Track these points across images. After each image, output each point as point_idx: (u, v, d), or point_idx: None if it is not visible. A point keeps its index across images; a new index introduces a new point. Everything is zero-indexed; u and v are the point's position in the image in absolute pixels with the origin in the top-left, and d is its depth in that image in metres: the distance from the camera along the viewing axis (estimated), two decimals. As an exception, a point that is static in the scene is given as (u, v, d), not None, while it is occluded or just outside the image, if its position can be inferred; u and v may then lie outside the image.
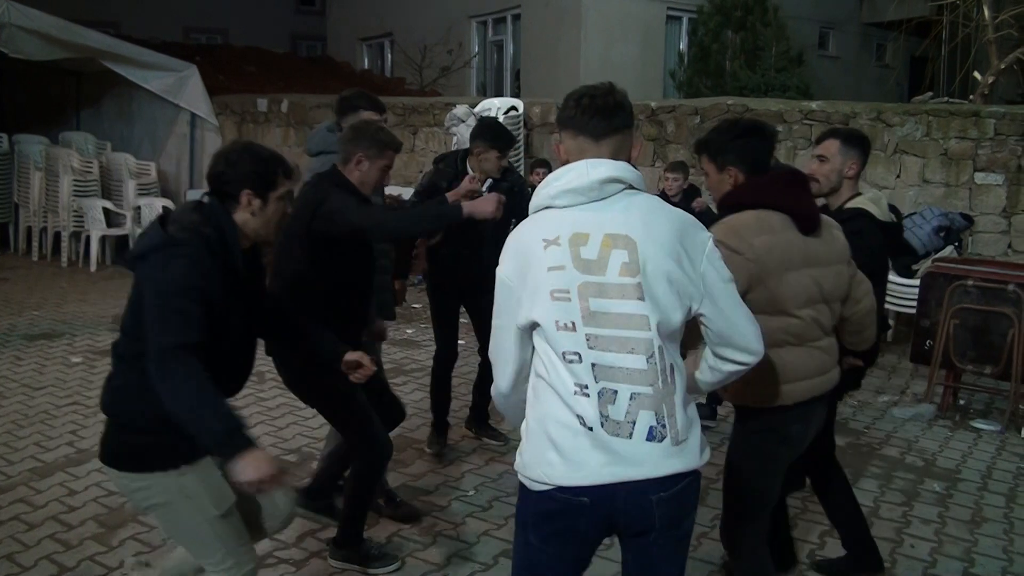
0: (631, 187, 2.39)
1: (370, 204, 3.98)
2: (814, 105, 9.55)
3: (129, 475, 2.81)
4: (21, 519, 4.54)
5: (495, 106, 10.34)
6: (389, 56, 21.59)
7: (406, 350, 8.03)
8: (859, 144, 3.93)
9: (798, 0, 17.17)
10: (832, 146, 3.86)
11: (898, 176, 8.90)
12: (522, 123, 10.47)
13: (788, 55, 15.11)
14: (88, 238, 11.80)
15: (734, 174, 3.16)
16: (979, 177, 8.51)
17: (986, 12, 12.29)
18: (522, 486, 2.40)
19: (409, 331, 8.71)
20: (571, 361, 2.27)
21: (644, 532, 2.36)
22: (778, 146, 9.29)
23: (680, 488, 2.34)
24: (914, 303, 6.99)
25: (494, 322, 2.44)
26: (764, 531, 3.33)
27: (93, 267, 11.64)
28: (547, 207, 2.40)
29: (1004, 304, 6.09)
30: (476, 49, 18.84)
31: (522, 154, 10.32)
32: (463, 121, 9.94)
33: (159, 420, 2.61)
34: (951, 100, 10.67)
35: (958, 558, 4.37)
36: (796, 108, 9.56)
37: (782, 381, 3.05)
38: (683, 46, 16.86)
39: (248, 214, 2.81)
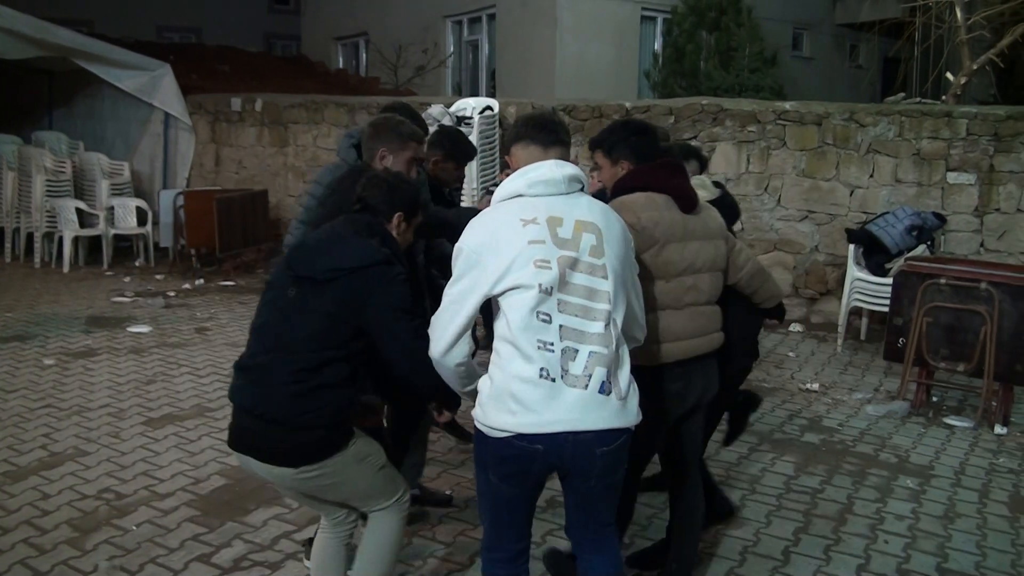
0: (583, 190, 2.91)
1: None
2: (788, 105, 9.60)
3: (308, 468, 3.04)
4: None
5: (470, 106, 10.33)
6: (364, 55, 21.52)
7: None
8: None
9: (772, 1, 17.26)
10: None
11: (871, 176, 8.96)
12: (497, 123, 10.47)
13: (762, 56, 15.17)
14: (61, 239, 11.71)
15: (626, 166, 3.64)
16: (951, 177, 8.58)
17: (959, 14, 12.38)
18: (480, 432, 2.79)
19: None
20: (543, 321, 2.68)
21: (586, 478, 2.83)
22: (751, 146, 9.35)
23: (619, 443, 2.80)
24: (887, 301, 7.05)
25: (450, 290, 2.79)
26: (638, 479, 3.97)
27: (66, 268, 11.54)
28: (519, 195, 2.82)
29: (976, 302, 6.14)
30: (451, 49, 18.81)
31: (497, 153, 10.31)
32: (439, 121, 9.91)
33: (338, 413, 3.03)
34: (924, 101, 10.74)
35: (932, 553, 4.40)
36: (770, 108, 9.61)
37: (662, 340, 3.42)
38: (658, 46, 16.90)
39: (396, 233, 3.24)
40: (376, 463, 3.22)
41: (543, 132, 2.95)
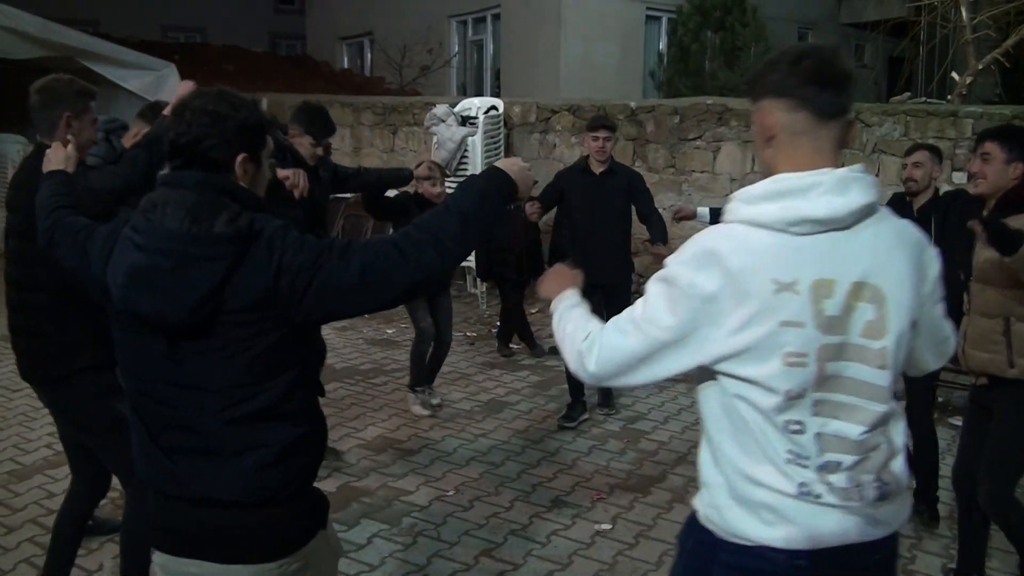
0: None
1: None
2: (793, 105, 9.58)
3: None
4: (0, 523, 4.51)
5: (475, 106, 10.34)
6: (369, 55, 21.53)
7: (386, 350, 8.03)
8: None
9: (777, 1, 17.24)
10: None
11: (877, 175, 8.94)
12: (502, 123, 10.47)
13: (767, 55, 15.12)
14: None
15: (1021, 170, 3.30)
16: (957, 177, 8.56)
17: (964, 13, 12.36)
18: (707, 530, 2.07)
19: (389, 331, 8.71)
20: (794, 432, 1.91)
21: None
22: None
23: (891, 549, 2.09)
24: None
25: (648, 327, 1.96)
26: None
27: (71, 267, 11.54)
28: (773, 229, 1.90)
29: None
30: (456, 49, 18.81)
31: (502, 153, 10.31)
32: (443, 121, 9.92)
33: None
34: (929, 100, 10.73)
35: (937, 554, 4.40)
36: (775, 108, 9.58)
37: None
38: (662, 46, 16.88)
39: (245, 184, 2.18)
40: None
41: (828, 90, 1.93)
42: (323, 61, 21.71)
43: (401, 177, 6.11)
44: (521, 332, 8.08)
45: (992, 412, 3.78)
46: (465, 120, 9.92)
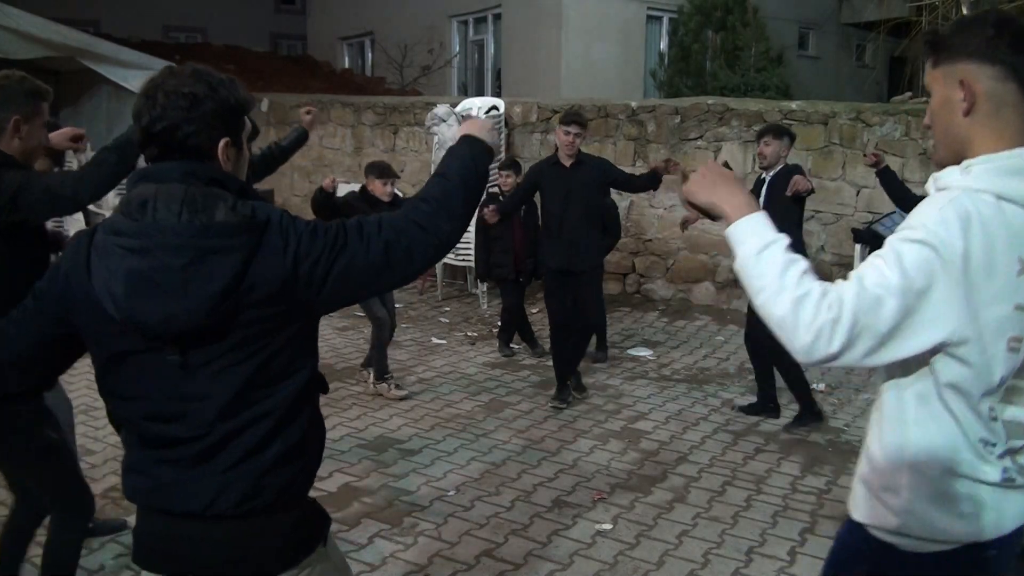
0: None
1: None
2: (794, 105, 9.59)
3: None
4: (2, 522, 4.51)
5: (476, 105, 10.35)
6: (370, 55, 21.56)
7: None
8: None
9: (778, 1, 17.25)
10: None
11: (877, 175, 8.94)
12: (503, 123, 10.47)
13: (768, 55, 15.17)
14: (68, 237, 11.71)
15: None
16: (957, 176, 8.56)
17: (965, 13, 12.36)
18: (881, 543, 1.93)
19: (391, 331, 8.71)
20: (991, 419, 1.82)
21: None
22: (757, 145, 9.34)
23: None
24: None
25: (907, 294, 1.70)
26: None
27: (72, 267, 11.54)
28: (1019, 206, 1.75)
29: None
30: (457, 48, 18.83)
31: (503, 154, 10.31)
32: (444, 121, 9.91)
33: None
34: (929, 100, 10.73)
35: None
36: (776, 108, 9.60)
37: None
38: (663, 46, 16.90)
39: (229, 169, 2.02)
40: None
41: None
42: (324, 61, 21.71)
43: (299, 138, 5.76)
44: (522, 332, 8.08)
45: None
46: (466, 120, 9.91)
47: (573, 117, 6.54)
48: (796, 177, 5.76)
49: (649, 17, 17.02)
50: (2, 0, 11.10)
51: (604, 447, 5.77)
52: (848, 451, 5.76)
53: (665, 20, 17.03)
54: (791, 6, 18.42)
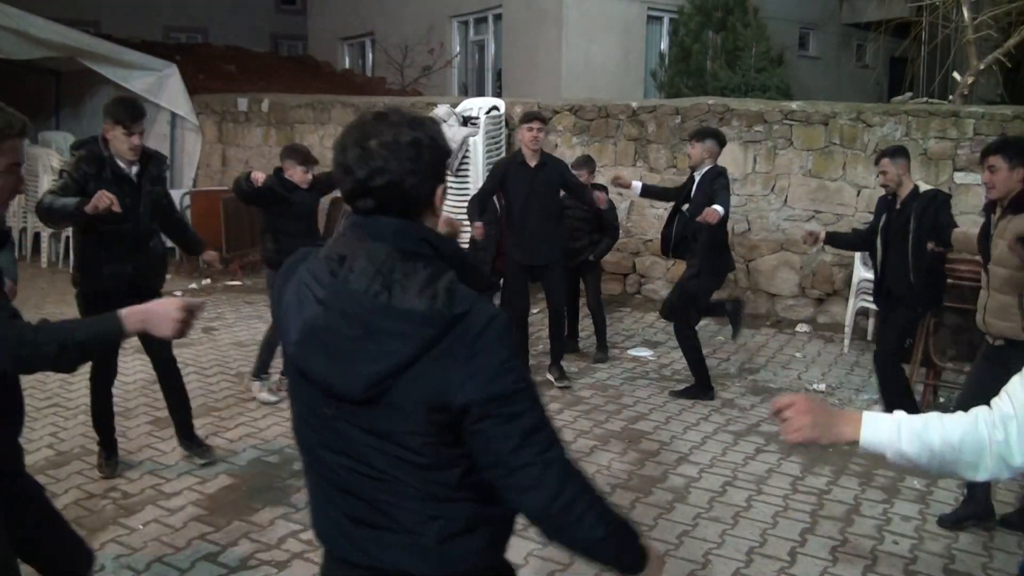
0: None
1: None
2: (794, 105, 9.59)
3: None
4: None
5: (476, 106, 10.33)
6: (370, 56, 21.54)
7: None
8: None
9: (778, 1, 17.24)
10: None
11: (878, 176, 8.93)
12: (503, 123, 10.46)
13: (768, 55, 15.15)
14: (68, 238, 11.71)
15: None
16: (959, 177, 8.56)
17: (966, 13, 12.35)
18: None
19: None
20: None
21: None
22: (758, 146, 9.34)
23: None
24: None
25: None
26: None
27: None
28: None
29: (983, 303, 6.12)
30: (457, 49, 18.81)
31: (504, 153, 10.31)
32: (444, 121, 9.91)
33: None
34: (931, 100, 10.72)
35: (939, 555, 4.39)
36: (776, 108, 9.59)
37: None
38: (664, 46, 16.88)
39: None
40: None
41: None
42: (324, 61, 21.71)
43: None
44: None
45: (1006, 367, 4.00)
46: (466, 120, 9.91)
47: (534, 115, 7.02)
48: (707, 210, 6.16)
49: (649, 17, 17.00)
50: (2, 0, 11.10)
51: (604, 447, 5.77)
52: (848, 451, 5.75)
53: (665, 20, 17.02)
54: (791, 6, 18.41)
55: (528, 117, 6.99)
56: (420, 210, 1.88)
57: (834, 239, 6.60)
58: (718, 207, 6.17)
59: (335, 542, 1.94)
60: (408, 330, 1.73)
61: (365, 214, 1.86)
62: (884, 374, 5.91)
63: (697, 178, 6.70)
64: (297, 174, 6.49)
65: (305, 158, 6.57)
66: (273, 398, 6.45)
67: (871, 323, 8.58)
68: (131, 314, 2.43)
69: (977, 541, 4.54)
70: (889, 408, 6.09)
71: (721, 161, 9.80)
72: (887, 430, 1.96)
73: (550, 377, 7.09)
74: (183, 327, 2.47)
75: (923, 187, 5.88)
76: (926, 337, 6.33)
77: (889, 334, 6.01)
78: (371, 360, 1.74)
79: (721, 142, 6.82)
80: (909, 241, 5.65)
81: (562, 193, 7.17)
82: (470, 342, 1.75)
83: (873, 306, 8.21)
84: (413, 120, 1.87)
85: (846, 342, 8.32)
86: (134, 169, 4.90)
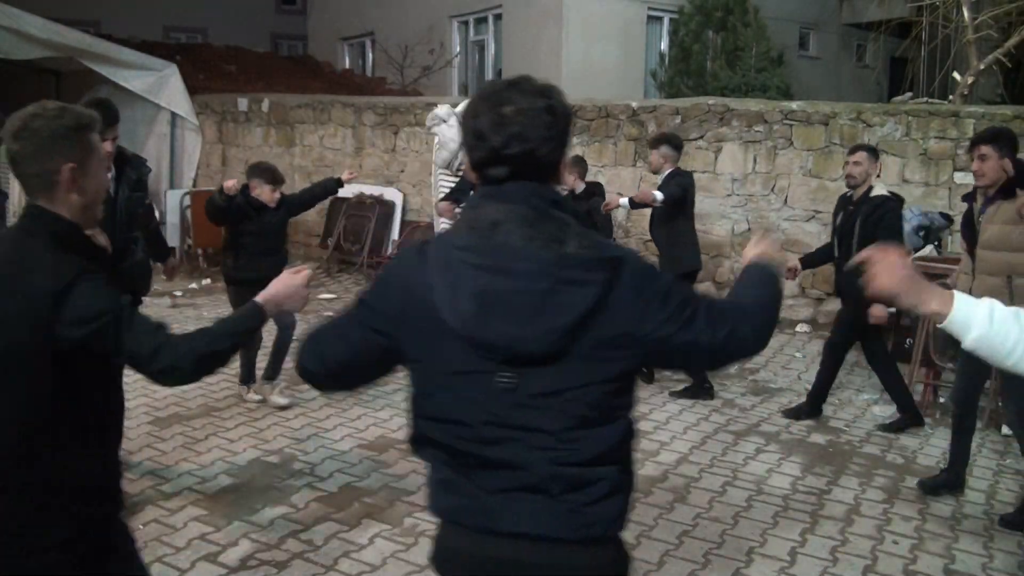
0: None
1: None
2: (794, 105, 9.59)
3: None
4: None
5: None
6: (370, 55, 21.53)
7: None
8: None
9: (778, 1, 17.23)
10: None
11: (878, 176, 8.90)
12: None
13: (768, 55, 15.15)
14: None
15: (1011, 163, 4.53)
16: (959, 177, 8.56)
17: (966, 13, 12.37)
18: None
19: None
20: None
21: None
22: (758, 146, 9.34)
23: None
24: (894, 302, 7.02)
25: None
26: None
27: (73, 267, 11.54)
28: None
29: (983, 303, 6.12)
30: (457, 49, 18.80)
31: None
32: (445, 121, 9.92)
33: None
34: (931, 100, 10.73)
35: (939, 555, 4.39)
36: (776, 108, 9.59)
37: None
38: (664, 46, 16.88)
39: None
40: None
41: None
42: (325, 61, 21.70)
43: (328, 188, 6.99)
44: None
45: None
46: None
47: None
48: (642, 190, 6.97)
49: (650, 17, 16.99)
50: (2, 0, 11.09)
51: (605, 447, 5.76)
52: (849, 451, 5.76)
53: (666, 20, 17.01)
54: (792, 6, 18.40)
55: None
56: (550, 177, 1.94)
57: (809, 260, 6.69)
58: (656, 192, 6.67)
59: (470, 515, 1.96)
60: (590, 277, 1.81)
61: (496, 183, 1.91)
62: (824, 357, 6.50)
63: (660, 182, 6.95)
64: (265, 193, 6.26)
65: (273, 177, 6.36)
66: (284, 400, 6.41)
67: (871, 323, 8.58)
68: (267, 301, 2.52)
69: (977, 541, 4.54)
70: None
71: (721, 161, 9.82)
72: (982, 313, 2.01)
73: None
74: (307, 298, 2.62)
75: (878, 190, 6.12)
76: (926, 337, 6.32)
77: (838, 327, 6.52)
78: (559, 312, 1.80)
79: (676, 146, 7.09)
80: (853, 245, 5.82)
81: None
82: (637, 279, 1.87)
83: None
84: (545, 88, 1.93)
85: (846, 342, 8.31)
86: (108, 176, 4.52)
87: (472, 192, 7.28)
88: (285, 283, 2.54)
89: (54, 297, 2.16)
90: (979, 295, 4.60)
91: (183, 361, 2.31)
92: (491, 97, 1.91)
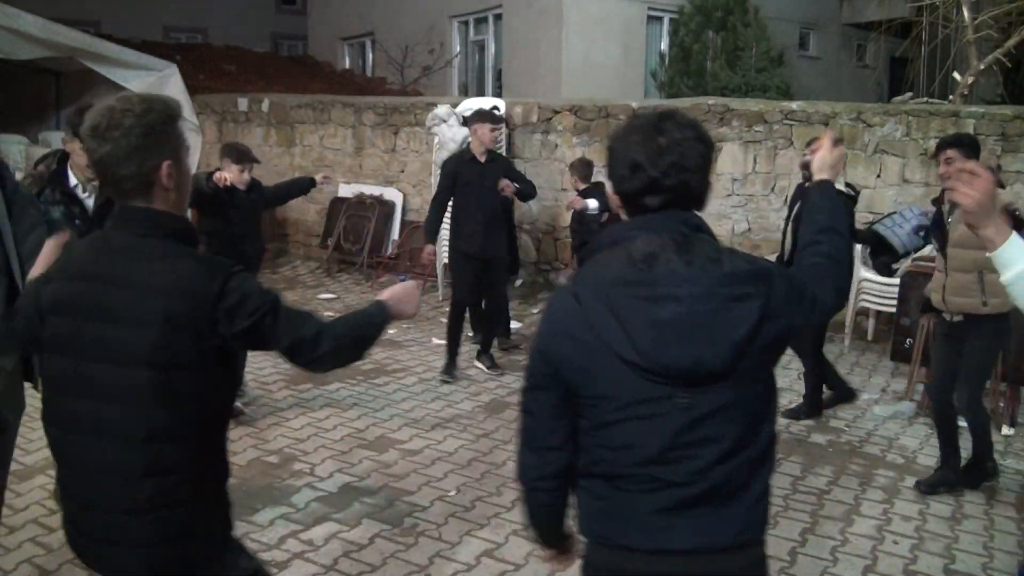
0: None
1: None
2: (794, 105, 9.58)
3: None
4: (2, 523, 4.51)
5: (477, 106, 10.31)
6: (370, 56, 21.53)
7: (388, 350, 8.02)
8: None
9: (778, 1, 17.24)
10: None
11: (878, 176, 8.94)
12: (504, 123, 10.46)
13: (769, 55, 15.15)
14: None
15: None
16: (958, 177, 8.55)
17: (966, 13, 12.35)
18: None
19: (391, 331, 8.70)
20: None
21: None
22: (758, 146, 9.34)
23: None
24: (894, 302, 7.03)
25: None
26: None
27: (73, 268, 11.53)
28: None
29: (983, 303, 6.12)
30: (457, 49, 18.81)
31: (503, 152, 10.30)
32: (445, 121, 9.92)
33: None
34: (931, 100, 10.72)
35: (939, 555, 4.39)
36: (776, 108, 9.59)
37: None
38: (664, 46, 16.88)
39: None
40: None
41: None
42: (325, 61, 21.71)
43: (302, 186, 7.11)
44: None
45: (963, 341, 4.98)
46: (467, 120, 9.91)
47: (493, 116, 7.69)
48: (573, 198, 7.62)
49: (650, 17, 16.99)
50: (2, 0, 11.08)
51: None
52: (849, 451, 5.76)
53: (666, 20, 17.01)
54: (792, 6, 18.41)
55: (493, 118, 7.62)
56: (697, 204, 2.04)
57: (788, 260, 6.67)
58: (589, 201, 7.31)
59: (648, 537, 2.00)
60: (751, 290, 1.93)
61: (647, 211, 2.00)
62: (803, 362, 6.64)
63: None
64: (233, 173, 6.05)
65: (240, 156, 6.17)
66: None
67: (871, 323, 8.58)
68: (388, 300, 2.56)
69: (977, 541, 4.54)
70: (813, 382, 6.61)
71: (722, 161, 9.82)
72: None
73: (480, 365, 7.55)
74: (419, 305, 2.69)
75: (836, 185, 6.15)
76: (926, 337, 6.32)
77: None
78: (733, 327, 1.90)
79: None
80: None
81: (585, 203, 7.54)
82: (785, 283, 2.00)
83: (874, 306, 8.23)
84: (693, 120, 2.03)
85: (846, 342, 8.32)
86: (91, 187, 4.39)
87: (466, 192, 7.33)
88: (403, 286, 2.62)
89: (218, 296, 2.17)
90: (953, 291, 4.86)
91: (343, 342, 2.40)
92: (645, 128, 1.99)
